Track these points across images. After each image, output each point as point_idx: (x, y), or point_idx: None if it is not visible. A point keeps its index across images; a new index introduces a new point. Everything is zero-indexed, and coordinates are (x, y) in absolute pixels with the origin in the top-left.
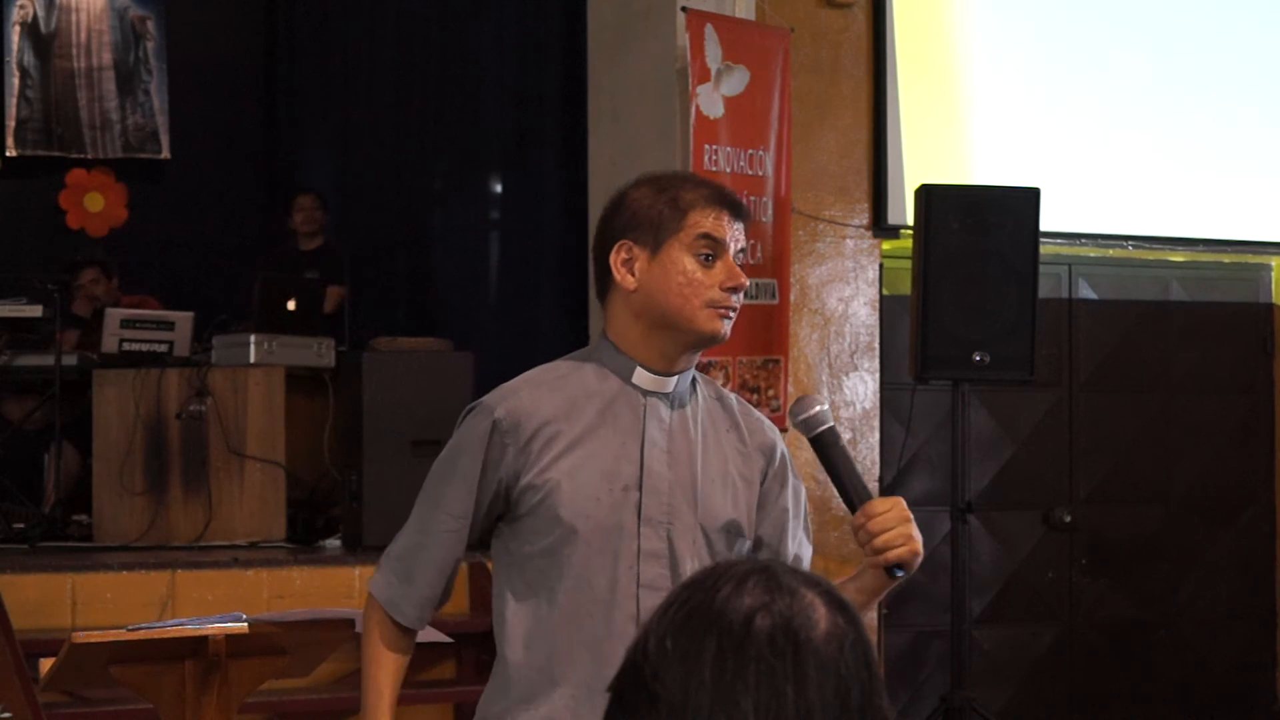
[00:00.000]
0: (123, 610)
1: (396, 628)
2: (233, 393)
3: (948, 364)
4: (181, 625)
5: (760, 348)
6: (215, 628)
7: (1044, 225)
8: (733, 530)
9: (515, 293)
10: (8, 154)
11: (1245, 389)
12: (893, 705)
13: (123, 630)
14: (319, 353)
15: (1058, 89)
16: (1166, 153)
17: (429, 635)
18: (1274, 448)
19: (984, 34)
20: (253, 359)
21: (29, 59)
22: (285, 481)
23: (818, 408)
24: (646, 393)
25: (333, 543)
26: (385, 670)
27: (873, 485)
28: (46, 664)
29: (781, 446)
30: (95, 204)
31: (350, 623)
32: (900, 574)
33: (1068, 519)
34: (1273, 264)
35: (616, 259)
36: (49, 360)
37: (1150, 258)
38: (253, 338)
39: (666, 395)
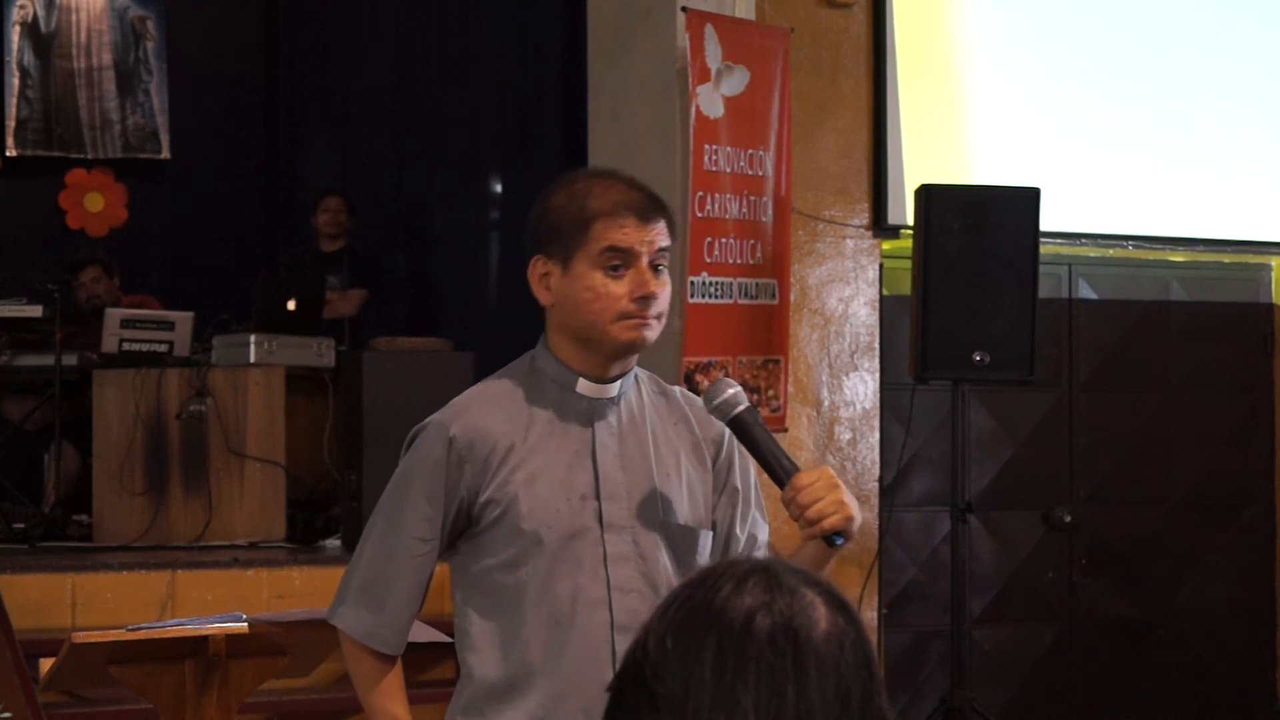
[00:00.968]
0: (123, 610)
1: (379, 655)
2: (233, 393)
3: (948, 364)
4: (181, 625)
5: (760, 348)
6: (215, 628)
7: (1044, 225)
8: (696, 523)
9: (515, 293)
10: (8, 154)
11: (1245, 389)
12: (893, 705)
13: (123, 630)
14: (319, 353)
15: (1058, 89)
16: (1166, 153)
17: (429, 635)
18: (1274, 448)
19: (984, 34)
20: (253, 359)
21: (29, 59)
22: (285, 481)
23: (731, 390)
24: (592, 400)
25: (333, 543)
26: (388, 696)
27: (873, 485)
28: (46, 664)
29: (729, 431)
30: (95, 204)
31: None
32: (840, 542)
33: (1068, 519)
34: (1273, 264)
35: (534, 274)
36: (49, 360)
37: (1150, 258)
38: (253, 338)
39: (612, 399)
